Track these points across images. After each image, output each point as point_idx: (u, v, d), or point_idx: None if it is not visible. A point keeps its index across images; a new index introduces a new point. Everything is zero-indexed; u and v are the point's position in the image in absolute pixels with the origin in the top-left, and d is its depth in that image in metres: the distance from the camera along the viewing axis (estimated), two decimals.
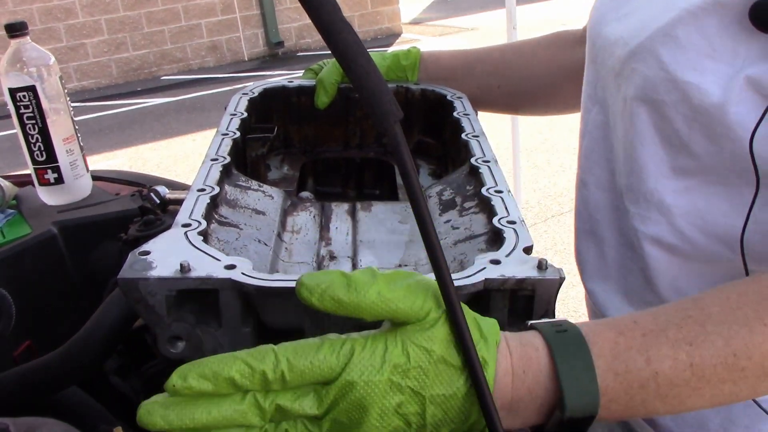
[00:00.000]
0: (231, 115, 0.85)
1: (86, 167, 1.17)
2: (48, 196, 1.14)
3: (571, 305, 2.85)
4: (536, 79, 1.00)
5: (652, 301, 0.74)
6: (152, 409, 0.43)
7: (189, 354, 0.55)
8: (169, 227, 0.98)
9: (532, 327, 0.50)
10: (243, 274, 0.52)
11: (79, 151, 1.14)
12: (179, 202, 1.07)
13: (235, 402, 0.43)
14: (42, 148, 1.10)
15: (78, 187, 1.15)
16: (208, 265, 0.53)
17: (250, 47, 8.78)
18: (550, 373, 0.47)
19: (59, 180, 1.12)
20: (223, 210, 0.68)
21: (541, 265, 0.54)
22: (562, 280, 0.54)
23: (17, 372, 0.76)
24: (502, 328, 0.49)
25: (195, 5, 8.37)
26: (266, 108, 0.95)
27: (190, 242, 0.57)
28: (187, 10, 8.35)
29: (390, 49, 1.04)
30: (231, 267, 0.53)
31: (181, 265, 0.52)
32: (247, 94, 0.93)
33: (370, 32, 9.29)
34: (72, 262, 1.05)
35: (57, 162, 1.11)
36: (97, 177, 1.26)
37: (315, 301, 0.43)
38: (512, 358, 0.47)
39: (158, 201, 1.06)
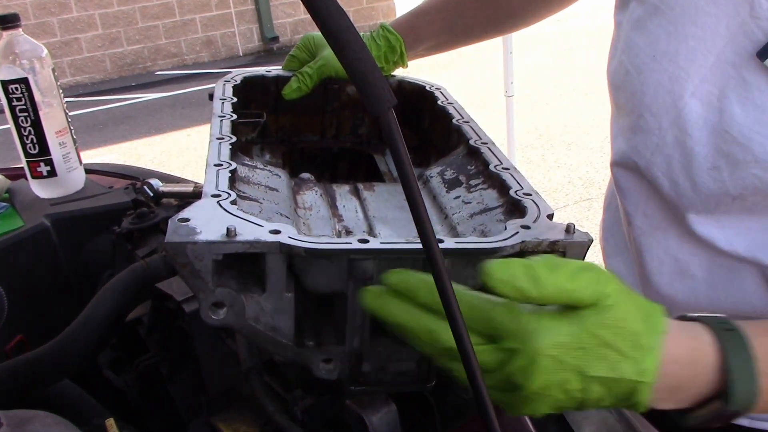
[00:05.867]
0: (221, 99, 0.86)
1: (79, 160, 1.16)
2: (41, 189, 1.13)
3: None
4: (517, 11, 1.04)
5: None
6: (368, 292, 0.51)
7: (231, 320, 0.55)
8: (163, 220, 0.99)
9: (696, 320, 0.53)
10: (290, 237, 0.53)
11: (72, 144, 1.14)
12: (173, 195, 1.06)
13: (433, 319, 0.48)
14: (35, 141, 1.09)
15: (71, 180, 1.14)
16: (253, 229, 0.54)
17: (245, 42, 8.76)
18: (718, 367, 0.51)
19: (52, 173, 1.11)
20: (240, 185, 0.69)
21: (569, 229, 0.59)
22: (590, 242, 0.58)
23: (9, 365, 0.76)
24: None
25: (189, 0, 8.35)
26: (245, 96, 0.95)
27: (226, 210, 0.57)
28: (181, 5, 8.32)
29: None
30: (276, 232, 0.54)
31: (227, 229, 0.53)
32: (229, 81, 0.93)
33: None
34: (65, 255, 1.05)
35: (50, 155, 1.10)
36: (90, 170, 1.25)
37: (499, 290, 0.46)
38: (681, 349, 0.51)
39: (152, 194, 1.05)
